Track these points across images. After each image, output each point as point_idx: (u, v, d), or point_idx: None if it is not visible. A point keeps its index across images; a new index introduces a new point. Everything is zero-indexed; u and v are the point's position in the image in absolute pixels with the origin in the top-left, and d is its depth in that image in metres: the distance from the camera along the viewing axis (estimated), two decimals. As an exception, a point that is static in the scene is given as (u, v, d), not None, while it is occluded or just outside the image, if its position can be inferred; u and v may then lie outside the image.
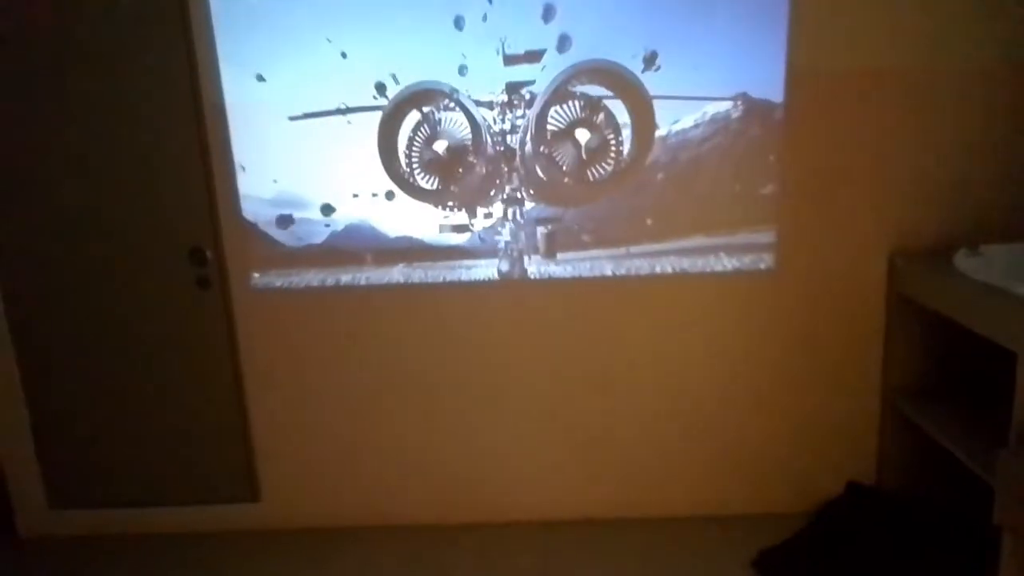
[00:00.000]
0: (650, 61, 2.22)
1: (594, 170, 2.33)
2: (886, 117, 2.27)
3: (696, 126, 2.28)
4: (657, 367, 2.50)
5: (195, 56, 2.30)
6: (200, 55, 2.30)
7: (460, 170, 2.35)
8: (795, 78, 2.22)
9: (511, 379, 2.54)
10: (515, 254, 2.42)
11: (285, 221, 2.43)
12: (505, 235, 2.41)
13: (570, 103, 2.28)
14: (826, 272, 2.39)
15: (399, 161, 2.35)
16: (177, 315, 2.52)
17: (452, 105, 2.31)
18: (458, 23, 2.23)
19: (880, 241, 2.36)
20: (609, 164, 2.32)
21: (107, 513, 2.71)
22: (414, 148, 2.34)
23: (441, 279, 2.45)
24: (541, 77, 2.26)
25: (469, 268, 2.44)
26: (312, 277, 2.47)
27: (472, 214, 2.40)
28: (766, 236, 2.36)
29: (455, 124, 2.32)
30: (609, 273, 2.41)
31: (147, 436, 2.65)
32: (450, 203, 2.39)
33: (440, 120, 2.32)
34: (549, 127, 2.30)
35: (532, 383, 2.54)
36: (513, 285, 2.45)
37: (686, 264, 2.39)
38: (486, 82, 2.28)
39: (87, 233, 2.46)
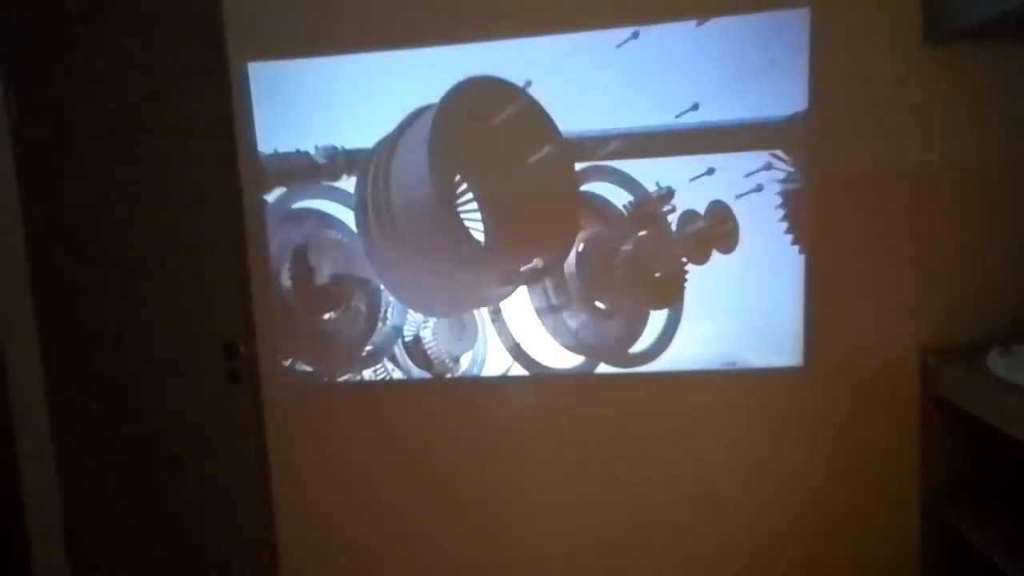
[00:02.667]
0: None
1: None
2: (915, 212, 2.24)
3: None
4: (686, 467, 2.45)
5: (237, 160, 2.42)
6: (242, 157, 2.41)
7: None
8: (819, 170, 2.23)
9: (539, 479, 2.51)
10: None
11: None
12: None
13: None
14: (858, 371, 2.33)
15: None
16: (207, 409, 2.56)
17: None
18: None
19: (911, 338, 2.31)
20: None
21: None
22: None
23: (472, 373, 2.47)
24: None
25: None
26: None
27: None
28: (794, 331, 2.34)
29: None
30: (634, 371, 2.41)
31: (173, 533, 2.65)
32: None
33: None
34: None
35: (558, 484, 2.50)
36: (541, 382, 2.46)
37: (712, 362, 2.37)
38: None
39: (127, 332, 2.55)
